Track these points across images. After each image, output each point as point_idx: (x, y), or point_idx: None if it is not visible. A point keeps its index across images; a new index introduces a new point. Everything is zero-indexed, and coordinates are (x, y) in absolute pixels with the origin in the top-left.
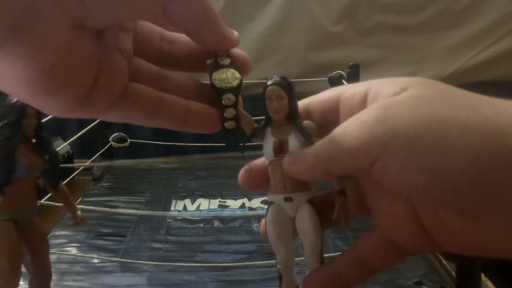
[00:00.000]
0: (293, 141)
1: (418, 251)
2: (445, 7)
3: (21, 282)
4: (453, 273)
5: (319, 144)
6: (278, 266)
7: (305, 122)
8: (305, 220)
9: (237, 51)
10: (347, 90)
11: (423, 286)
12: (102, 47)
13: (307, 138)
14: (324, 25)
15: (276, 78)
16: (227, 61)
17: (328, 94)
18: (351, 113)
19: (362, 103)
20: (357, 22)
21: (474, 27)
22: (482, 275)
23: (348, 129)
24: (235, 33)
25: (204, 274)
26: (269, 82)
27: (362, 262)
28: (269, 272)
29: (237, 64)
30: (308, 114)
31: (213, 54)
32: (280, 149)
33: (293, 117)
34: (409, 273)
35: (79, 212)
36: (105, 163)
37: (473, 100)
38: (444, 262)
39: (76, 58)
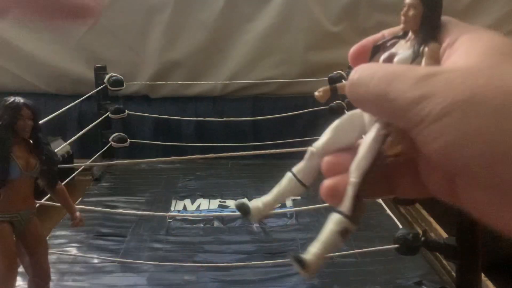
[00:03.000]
0: (403, 56)
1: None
2: (445, 7)
3: (20, 283)
4: (453, 273)
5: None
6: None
7: (433, 44)
8: (370, 133)
9: None
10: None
11: (423, 286)
12: None
13: (418, 58)
14: (324, 25)
15: None
16: None
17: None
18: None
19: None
20: (357, 22)
21: None
22: (482, 275)
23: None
24: None
25: (204, 274)
26: None
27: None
28: (269, 272)
29: None
30: None
31: None
32: (388, 62)
33: (422, 32)
34: (409, 273)
35: (78, 213)
36: (117, 162)
37: None
38: (444, 262)
39: None
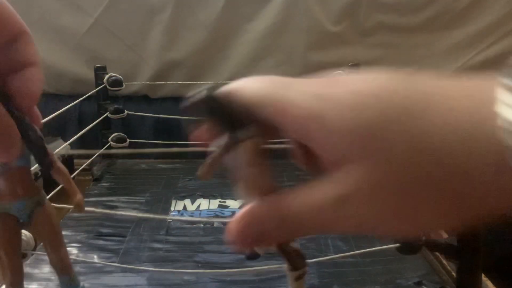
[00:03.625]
0: None
1: None
2: (445, 7)
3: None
4: (453, 273)
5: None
6: None
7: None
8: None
9: None
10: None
11: (423, 286)
12: None
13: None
14: (324, 25)
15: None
16: None
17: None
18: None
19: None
20: (357, 22)
21: (474, 27)
22: (483, 275)
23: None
24: None
25: (204, 274)
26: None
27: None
28: (269, 272)
29: None
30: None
31: None
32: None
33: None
34: (409, 273)
35: (78, 197)
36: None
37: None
38: (444, 262)
39: None
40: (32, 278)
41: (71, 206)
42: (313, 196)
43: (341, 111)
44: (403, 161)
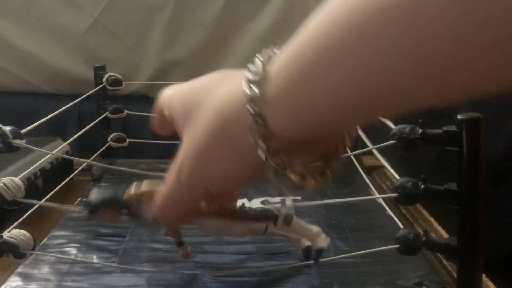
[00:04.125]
0: None
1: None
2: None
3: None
4: (454, 273)
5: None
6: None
7: None
8: (209, 229)
9: None
10: None
11: (423, 287)
12: None
13: None
14: None
15: None
16: None
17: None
18: None
19: None
20: None
21: None
22: (483, 275)
23: None
24: None
25: (204, 274)
26: None
27: None
28: (269, 272)
29: None
30: None
31: None
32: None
33: None
34: (409, 274)
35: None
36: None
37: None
38: (445, 262)
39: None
40: (32, 278)
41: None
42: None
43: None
44: (200, 119)
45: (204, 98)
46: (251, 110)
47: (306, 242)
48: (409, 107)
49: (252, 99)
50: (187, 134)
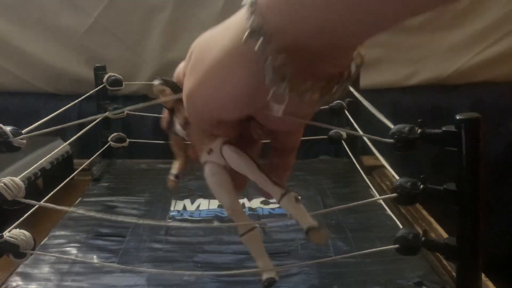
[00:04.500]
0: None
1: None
2: (445, 8)
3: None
4: (454, 273)
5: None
6: (227, 212)
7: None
8: (232, 158)
9: None
10: None
11: (423, 287)
12: None
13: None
14: None
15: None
16: None
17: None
18: None
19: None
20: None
21: (474, 27)
22: (483, 275)
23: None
24: None
25: (204, 275)
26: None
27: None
28: None
29: None
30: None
31: None
32: (185, 124)
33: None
34: (409, 273)
35: None
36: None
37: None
38: (445, 262)
39: None
40: (32, 278)
41: (71, 209)
42: None
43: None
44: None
45: (206, 50)
46: (250, 11)
47: (269, 274)
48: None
49: (251, 4)
50: (188, 74)
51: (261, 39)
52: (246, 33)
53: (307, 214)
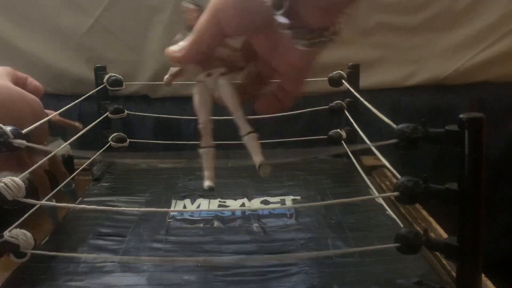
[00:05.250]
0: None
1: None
2: (445, 7)
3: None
4: (453, 273)
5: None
6: (199, 125)
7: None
8: (224, 87)
9: None
10: None
11: (423, 286)
12: None
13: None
14: None
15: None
16: None
17: None
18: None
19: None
20: (357, 22)
21: (474, 27)
22: (483, 275)
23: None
24: None
25: (204, 274)
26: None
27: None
28: (269, 272)
29: None
30: None
31: None
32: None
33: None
34: (409, 273)
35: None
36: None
37: None
38: (444, 262)
39: None
40: (32, 278)
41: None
42: None
43: None
44: None
45: None
46: None
47: (209, 183)
48: None
49: None
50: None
51: None
52: None
53: (260, 153)
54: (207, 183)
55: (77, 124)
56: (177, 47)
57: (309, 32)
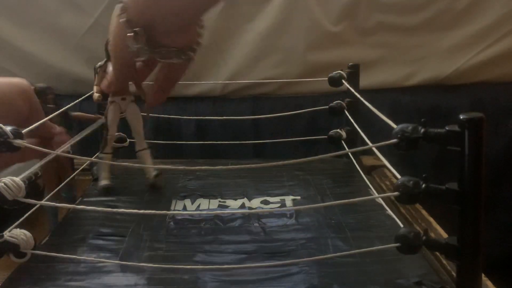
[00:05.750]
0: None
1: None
2: (445, 7)
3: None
4: (454, 273)
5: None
6: (108, 136)
7: None
8: (133, 112)
9: None
10: None
11: (423, 286)
12: None
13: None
14: (324, 25)
15: None
16: None
17: None
18: None
19: None
20: (357, 22)
21: (474, 27)
22: (483, 275)
23: None
24: None
25: (204, 274)
26: None
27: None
28: (269, 272)
29: None
30: None
31: None
32: None
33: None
34: (409, 273)
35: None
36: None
37: None
38: (444, 262)
39: None
40: (32, 278)
41: (71, 206)
42: None
43: None
44: None
45: None
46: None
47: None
48: None
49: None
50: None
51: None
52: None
53: (152, 165)
54: (103, 182)
55: (97, 116)
56: (106, 82)
57: (174, 51)
